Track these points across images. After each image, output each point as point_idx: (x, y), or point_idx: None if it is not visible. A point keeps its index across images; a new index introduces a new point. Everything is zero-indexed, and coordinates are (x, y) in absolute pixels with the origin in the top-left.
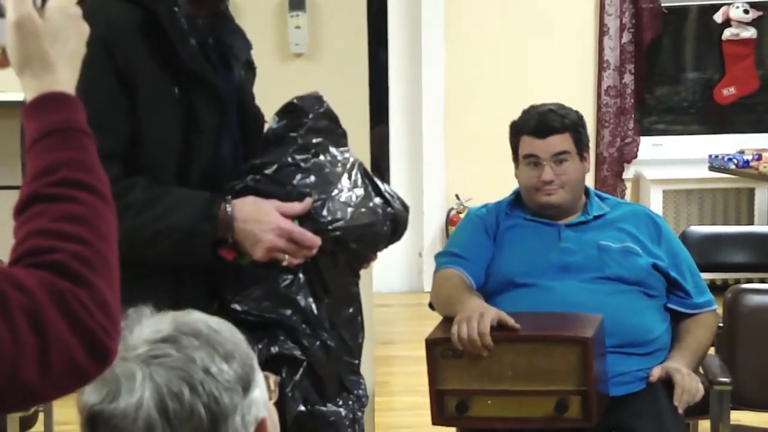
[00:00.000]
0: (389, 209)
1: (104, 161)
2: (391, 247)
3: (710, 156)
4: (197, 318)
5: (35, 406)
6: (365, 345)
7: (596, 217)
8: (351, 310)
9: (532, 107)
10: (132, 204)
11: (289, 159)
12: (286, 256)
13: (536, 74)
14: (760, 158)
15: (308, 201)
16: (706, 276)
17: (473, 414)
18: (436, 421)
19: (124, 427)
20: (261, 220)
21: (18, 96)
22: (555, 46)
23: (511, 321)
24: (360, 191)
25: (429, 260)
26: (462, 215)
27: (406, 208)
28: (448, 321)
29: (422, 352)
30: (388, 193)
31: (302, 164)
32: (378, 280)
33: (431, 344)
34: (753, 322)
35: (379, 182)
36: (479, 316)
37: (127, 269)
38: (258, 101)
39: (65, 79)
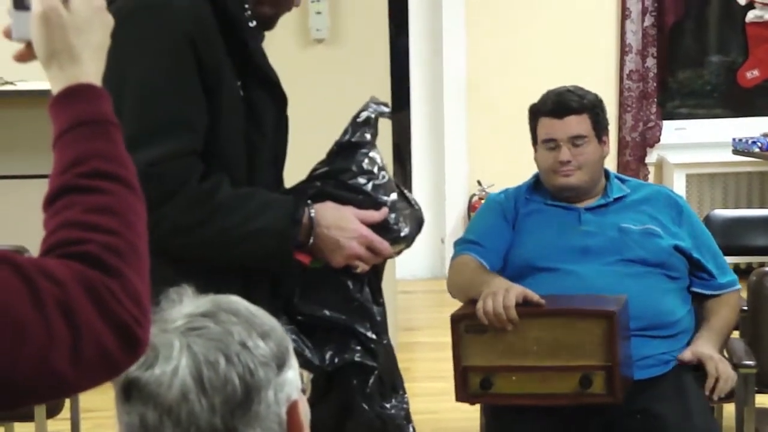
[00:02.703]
0: (417, 213)
1: (190, 158)
2: None
3: (734, 139)
4: (237, 299)
5: (66, 397)
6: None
7: (616, 200)
8: None
9: (549, 90)
10: (221, 205)
11: (363, 167)
12: (361, 263)
13: (558, 59)
14: None
15: (385, 210)
16: (730, 260)
17: (497, 390)
18: (460, 398)
19: (158, 393)
20: (344, 227)
21: (41, 85)
22: (577, 30)
23: (536, 297)
24: (401, 197)
25: (451, 246)
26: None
27: (420, 207)
28: (472, 301)
29: (445, 338)
30: (409, 194)
31: (374, 173)
32: (400, 266)
33: (456, 320)
34: None
35: (397, 182)
36: (505, 291)
37: (198, 271)
38: None
39: (91, 70)
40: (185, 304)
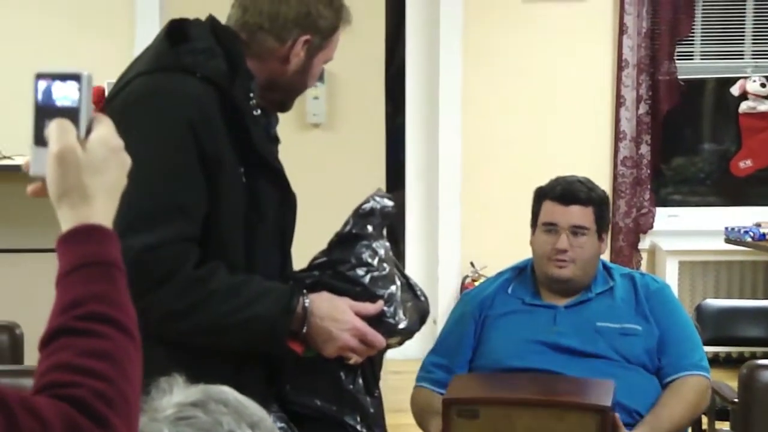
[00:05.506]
0: (421, 304)
1: (185, 245)
2: None
3: (726, 228)
4: (227, 389)
5: None
6: None
7: (599, 294)
8: None
9: (560, 177)
10: (215, 291)
11: (362, 259)
12: (354, 355)
13: (553, 144)
14: None
15: (380, 303)
16: (722, 349)
17: None
18: None
19: None
20: (338, 318)
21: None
22: (572, 116)
23: None
24: (405, 288)
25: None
26: (477, 283)
27: (426, 299)
28: (463, 380)
29: None
30: (416, 286)
31: (373, 265)
32: None
33: (447, 403)
34: None
35: (405, 273)
36: None
37: (191, 354)
38: None
39: (102, 210)
40: (175, 394)
